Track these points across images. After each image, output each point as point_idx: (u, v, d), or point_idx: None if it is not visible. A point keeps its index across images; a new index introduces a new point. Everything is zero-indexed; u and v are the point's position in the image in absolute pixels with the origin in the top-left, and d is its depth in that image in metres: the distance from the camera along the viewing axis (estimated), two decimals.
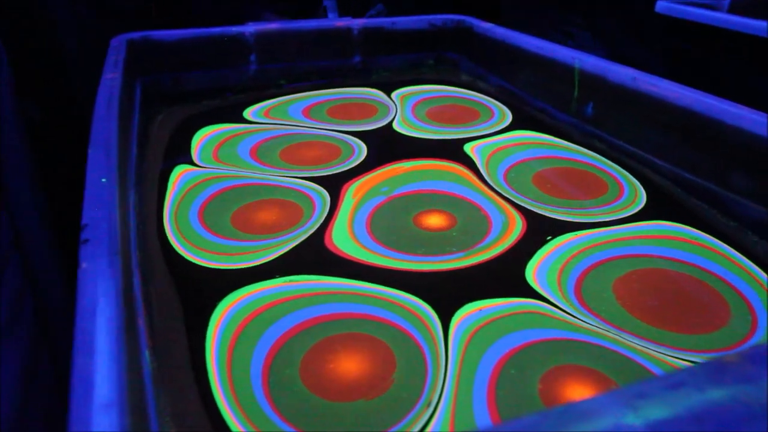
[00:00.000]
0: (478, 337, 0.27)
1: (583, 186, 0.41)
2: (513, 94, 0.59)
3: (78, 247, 0.22)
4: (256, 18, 0.86)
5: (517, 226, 0.36)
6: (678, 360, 0.26)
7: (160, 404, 0.23)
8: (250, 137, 0.49)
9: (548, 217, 0.37)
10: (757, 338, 0.27)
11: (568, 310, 0.29)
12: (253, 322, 0.28)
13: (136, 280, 0.26)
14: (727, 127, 0.37)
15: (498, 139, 0.49)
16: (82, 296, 0.19)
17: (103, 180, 0.26)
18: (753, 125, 0.35)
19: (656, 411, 0.14)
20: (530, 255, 0.33)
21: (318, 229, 0.36)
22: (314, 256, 0.33)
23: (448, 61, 0.68)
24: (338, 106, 0.57)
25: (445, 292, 0.30)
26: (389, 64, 0.65)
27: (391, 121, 0.53)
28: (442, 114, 0.55)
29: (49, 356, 0.61)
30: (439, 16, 0.66)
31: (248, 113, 0.54)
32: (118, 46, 0.50)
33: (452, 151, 0.47)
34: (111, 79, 0.40)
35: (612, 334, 0.27)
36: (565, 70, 0.50)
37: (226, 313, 0.28)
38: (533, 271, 0.32)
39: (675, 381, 0.14)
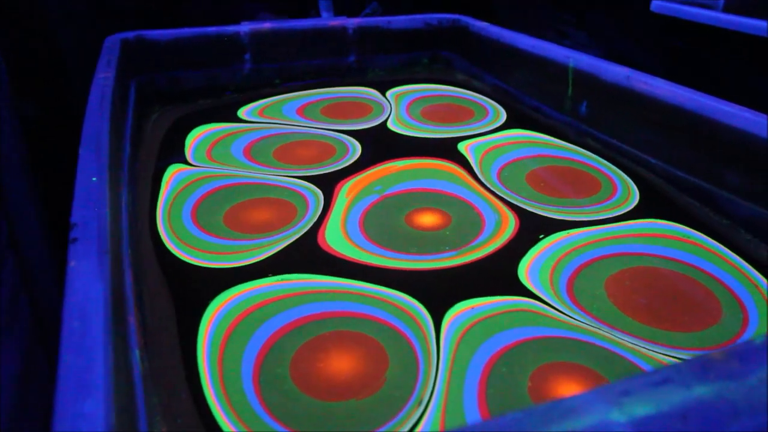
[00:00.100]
0: (470, 335, 0.27)
1: (576, 184, 0.42)
2: (507, 92, 0.59)
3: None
4: (252, 17, 0.86)
5: (510, 225, 0.36)
6: (669, 357, 0.26)
7: (150, 403, 0.23)
8: (243, 136, 0.49)
9: (541, 215, 0.37)
10: (748, 336, 0.27)
11: (561, 308, 0.29)
12: (244, 321, 0.28)
13: (128, 279, 0.26)
14: (720, 125, 0.37)
15: (492, 138, 0.49)
16: (70, 295, 0.19)
17: (94, 179, 0.26)
18: (746, 123, 0.35)
19: (641, 408, 0.14)
20: (523, 253, 0.33)
21: (311, 228, 0.36)
22: (307, 255, 0.33)
23: (442, 60, 0.68)
24: (333, 105, 0.57)
25: (438, 291, 0.30)
26: (384, 63, 0.65)
27: (386, 120, 0.53)
28: (436, 113, 0.55)
29: (47, 356, 0.61)
30: (434, 16, 0.66)
31: (242, 112, 0.54)
32: (111, 45, 0.50)
33: (446, 149, 0.47)
34: (104, 78, 0.40)
35: (604, 331, 0.27)
36: (559, 69, 0.50)
37: (218, 312, 0.28)
38: (526, 270, 0.32)
39: (660, 378, 0.14)
